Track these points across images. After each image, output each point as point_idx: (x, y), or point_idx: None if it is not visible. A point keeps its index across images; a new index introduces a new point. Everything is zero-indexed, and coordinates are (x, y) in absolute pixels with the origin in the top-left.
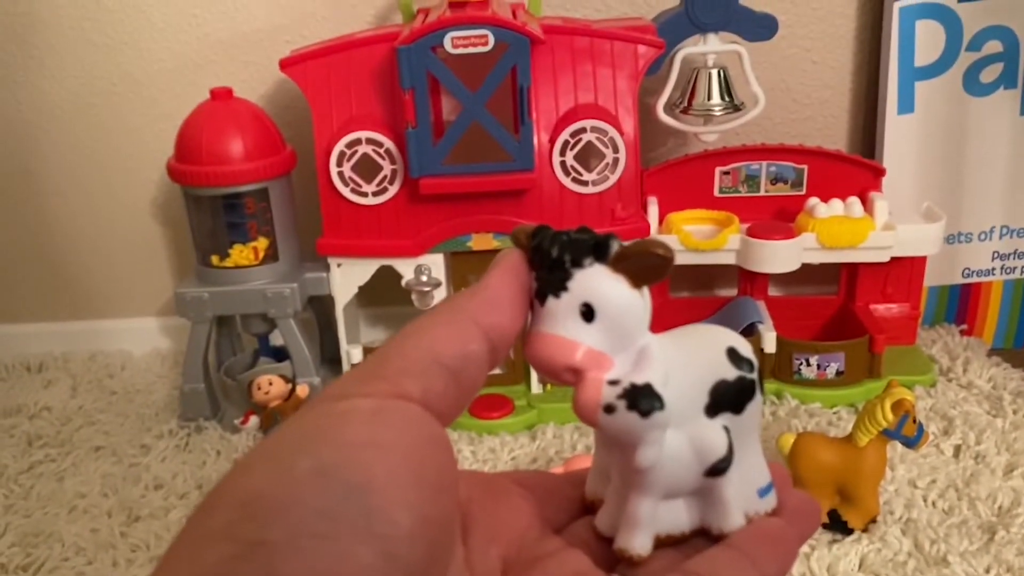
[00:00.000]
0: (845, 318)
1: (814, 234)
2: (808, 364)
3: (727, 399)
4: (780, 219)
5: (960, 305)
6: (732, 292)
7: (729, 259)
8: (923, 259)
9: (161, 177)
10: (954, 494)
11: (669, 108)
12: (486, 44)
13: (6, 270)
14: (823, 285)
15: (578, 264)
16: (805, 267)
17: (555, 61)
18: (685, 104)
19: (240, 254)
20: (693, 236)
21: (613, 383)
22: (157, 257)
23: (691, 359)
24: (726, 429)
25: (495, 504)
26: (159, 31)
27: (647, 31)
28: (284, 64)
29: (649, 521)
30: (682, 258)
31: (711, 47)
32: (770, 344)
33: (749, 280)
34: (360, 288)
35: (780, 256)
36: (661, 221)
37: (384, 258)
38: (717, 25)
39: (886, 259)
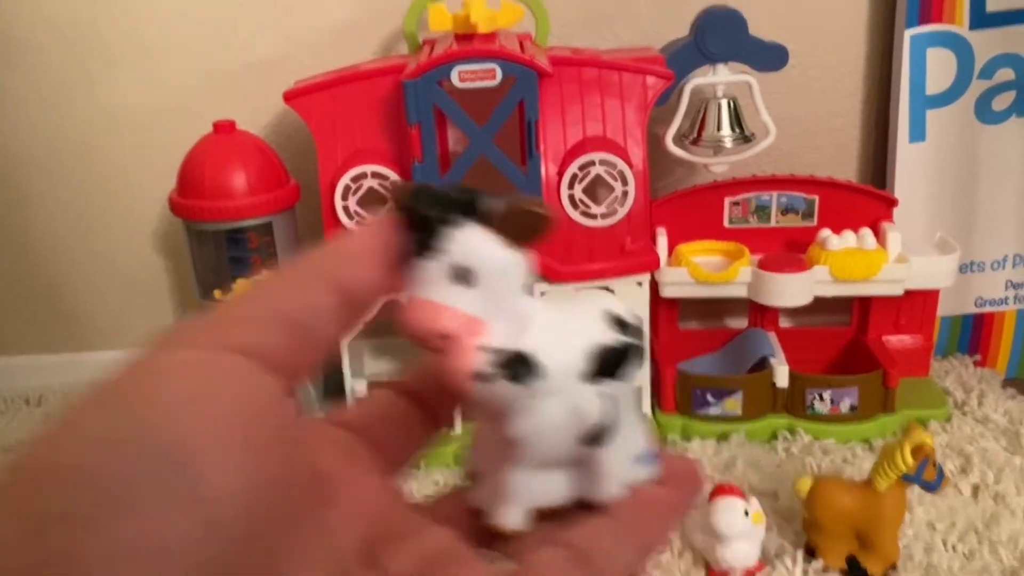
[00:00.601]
0: (857, 350)
1: (826, 267)
2: (821, 399)
3: (606, 365)
4: (791, 250)
5: (973, 335)
6: (742, 323)
7: (740, 292)
8: (936, 290)
9: (162, 208)
10: (974, 537)
11: (678, 139)
12: (493, 78)
13: (4, 301)
14: (835, 316)
15: (452, 224)
16: (817, 298)
17: (563, 92)
18: (695, 135)
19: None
20: (703, 268)
21: (489, 350)
22: (158, 288)
23: (570, 324)
24: (605, 396)
25: (361, 471)
26: (159, 61)
27: (656, 62)
28: (288, 96)
29: (524, 493)
30: (692, 291)
31: (721, 78)
32: (782, 378)
33: (759, 311)
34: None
35: (792, 289)
36: (670, 252)
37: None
38: (727, 56)
39: (899, 292)
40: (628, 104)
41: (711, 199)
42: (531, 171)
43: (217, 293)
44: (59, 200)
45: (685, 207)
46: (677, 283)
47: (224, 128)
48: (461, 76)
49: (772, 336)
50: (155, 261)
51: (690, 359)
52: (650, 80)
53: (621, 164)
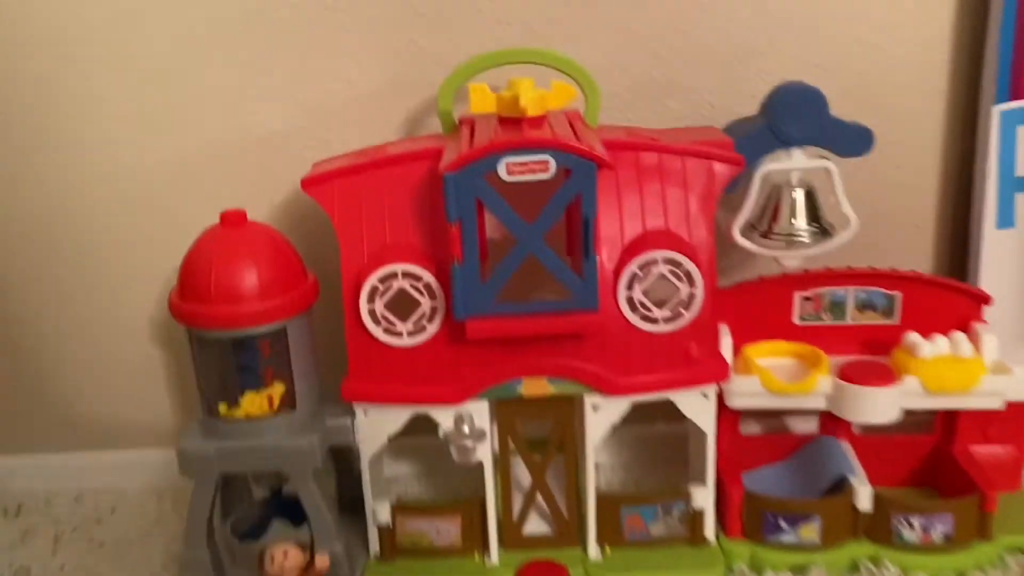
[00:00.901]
0: (942, 461)
1: (917, 378)
2: (910, 526)
3: None
4: (869, 352)
5: None
6: (810, 426)
7: (818, 403)
8: None
9: (160, 295)
10: None
11: (747, 229)
12: (547, 170)
13: None
14: (915, 422)
15: None
16: None
17: (619, 180)
18: (766, 227)
19: (252, 403)
20: (775, 376)
21: None
22: (155, 381)
23: None
24: None
25: None
26: (160, 134)
27: (724, 146)
28: (307, 184)
29: None
30: (763, 402)
31: (797, 163)
32: (865, 501)
33: (832, 417)
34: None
35: (880, 405)
36: (735, 353)
37: (419, 405)
38: (805, 140)
39: (999, 406)
40: (692, 193)
41: (779, 293)
42: (587, 274)
43: (223, 407)
44: (45, 286)
45: (750, 301)
46: (747, 394)
47: (233, 220)
48: (509, 169)
49: (847, 447)
50: (151, 351)
51: (753, 469)
52: (718, 167)
53: (687, 263)
